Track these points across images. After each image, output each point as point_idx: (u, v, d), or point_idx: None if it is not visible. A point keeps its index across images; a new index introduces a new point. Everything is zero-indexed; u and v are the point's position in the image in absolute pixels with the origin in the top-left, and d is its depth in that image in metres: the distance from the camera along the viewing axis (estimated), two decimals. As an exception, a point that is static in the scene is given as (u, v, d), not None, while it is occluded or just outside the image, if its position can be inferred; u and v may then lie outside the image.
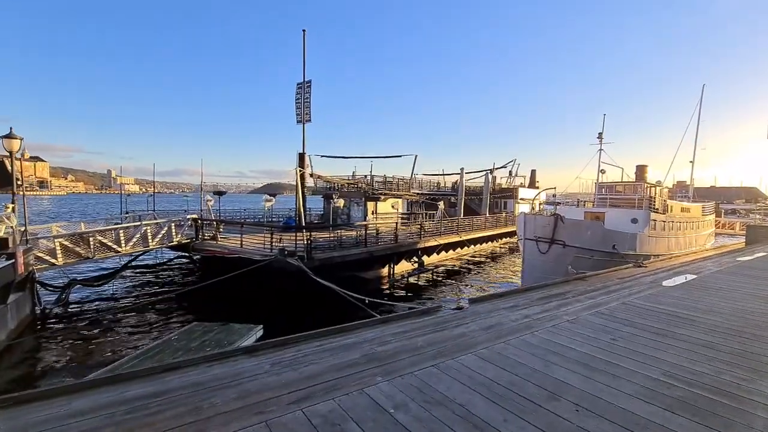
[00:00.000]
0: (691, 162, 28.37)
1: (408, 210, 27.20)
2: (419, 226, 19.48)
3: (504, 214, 30.28)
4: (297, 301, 12.88)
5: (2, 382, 7.80)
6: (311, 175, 21.68)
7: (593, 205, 19.39)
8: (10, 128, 11.29)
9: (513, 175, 39.25)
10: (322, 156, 27.54)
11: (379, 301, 11.49)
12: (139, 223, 15.51)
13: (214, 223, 17.37)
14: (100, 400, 2.87)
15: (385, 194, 24.33)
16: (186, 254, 18.60)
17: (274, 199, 22.11)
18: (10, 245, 10.25)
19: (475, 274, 19.71)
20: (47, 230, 14.43)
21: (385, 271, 17.42)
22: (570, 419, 2.58)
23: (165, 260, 19.68)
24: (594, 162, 20.86)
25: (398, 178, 27.52)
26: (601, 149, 20.62)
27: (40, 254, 11.93)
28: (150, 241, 14.87)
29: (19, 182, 12.31)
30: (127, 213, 21.28)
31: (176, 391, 2.98)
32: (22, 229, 11.77)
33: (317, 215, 26.73)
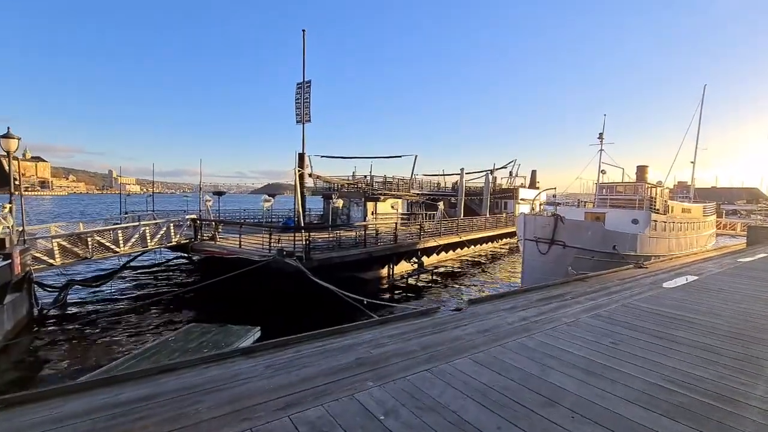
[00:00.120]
0: (692, 162, 28.30)
1: (408, 210, 27.15)
2: (419, 227, 19.42)
3: (504, 215, 30.21)
4: (295, 301, 12.82)
5: (-3, 384, 7.75)
6: (310, 176, 21.62)
7: (594, 205, 19.32)
8: (8, 128, 11.25)
9: (513, 175, 39.19)
10: (321, 156, 27.59)
11: (377, 302, 11.42)
12: (137, 223, 15.46)
13: (213, 223, 17.32)
14: (94, 402, 2.84)
15: (384, 194, 24.27)
16: (185, 255, 18.56)
17: (272, 200, 22.06)
18: (7, 245, 10.21)
19: (474, 275, 19.63)
20: (46, 230, 14.41)
21: (384, 271, 17.36)
22: (565, 426, 2.51)
23: (164, 261, 19.64)
24: (594, 162, 20.80)
25: (398, 179, 27.47)
26: (601, 149, 20.54)
27: (37, 254, 11.89)
28: (149, 241, 14.83)
29: (16, 182, 12.27)
30: (126, 213, 21.25)
31: (168, 395, 2.94)
32: (20, 229, 11.74)
33: (317, 216, 26.68)
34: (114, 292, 14.62)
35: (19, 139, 11.63)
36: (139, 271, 17.85)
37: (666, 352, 3.94)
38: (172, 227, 15.66)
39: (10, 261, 9.79)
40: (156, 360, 7.69)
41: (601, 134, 20.60)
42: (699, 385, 3.22)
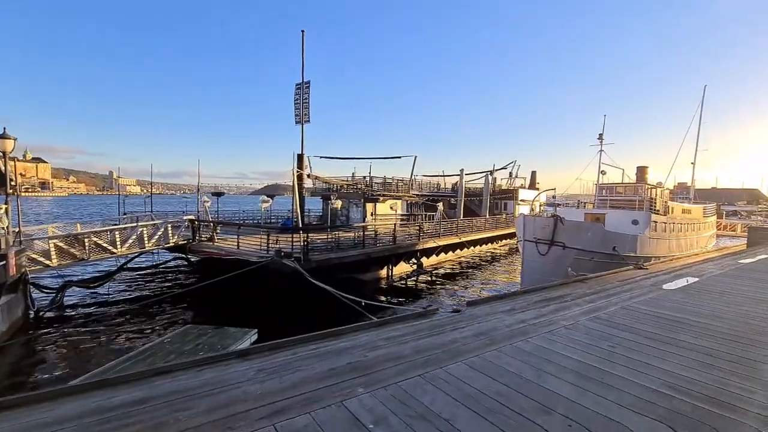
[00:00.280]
0: (692, 163, 28.23)
1: (407, 211, 27.09)
2: (418, 228, 19.34)
3: (504, 216, 30.13)
4: (293, 303, 12.74)
5: (-10, 386, 7.68)
6: (308, 176, 21.56)
7: (593, 206, 19.23)
8: (4, 128, 11.18)
9: (513, 176, 39.11)
10: (321, 157, 27.49)
11: (376, 303, 11.35)
12: (135, 224, 15.39)
13: (211, 224, 17.26)
14: (85, 405, 2.79)
15: (384, 195, 24.20)
16: (183, 256, 18.49)
17: (270, 200, 21.99)
18: (2, 246, 10.15)
19: (474, 276, 19.55)
20: (43, 231, 14.35)
21: (383, 272, 17.28)
22: (561, 434, 2.42)
23: (162, 262, 19.56)
24: (594, 163, 20.71)
25: (397, 180, 27.42)
26: (601, 150, 20.47)
27: (34, 255, 11.82)
28: (146, 242, 14.76)
29: (12, 183, 12.21)
30: (125, 214, 21.19)
31: (158, 399, 2.88)
32: (16, 230, 11.68)
33: (316, 216, 26.61)
34: (111, 293, 14.54)
35: (15, 139, 11.56)
36: (136, 272, 17.78)
37: (665, 356, 3.85)
38: (169, 228, 15.59)
39: (4, 262, 9.72)
40: (151, 362, 7.62)
41: (600, 135, 20.53)
42: (699, 390, 3.13)
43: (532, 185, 39.52)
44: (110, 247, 13.62)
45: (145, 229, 14.87)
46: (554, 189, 25.92)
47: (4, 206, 11.27)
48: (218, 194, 24.00)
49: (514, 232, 19.52)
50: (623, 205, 18.02)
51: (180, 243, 15.86)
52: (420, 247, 18.26)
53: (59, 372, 8.53)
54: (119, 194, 23.51)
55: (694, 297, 6.77)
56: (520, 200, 33.17)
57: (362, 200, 22.78)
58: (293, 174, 16.13)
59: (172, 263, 19.47)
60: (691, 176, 29.40)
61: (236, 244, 15.25)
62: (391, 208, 22.68)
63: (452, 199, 30.84)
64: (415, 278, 17.65)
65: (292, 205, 18.28)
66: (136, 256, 16.39)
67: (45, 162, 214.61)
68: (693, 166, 28.33)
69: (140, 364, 7.56)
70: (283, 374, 3.41)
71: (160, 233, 15.19)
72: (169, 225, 15.69)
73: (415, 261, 18.04)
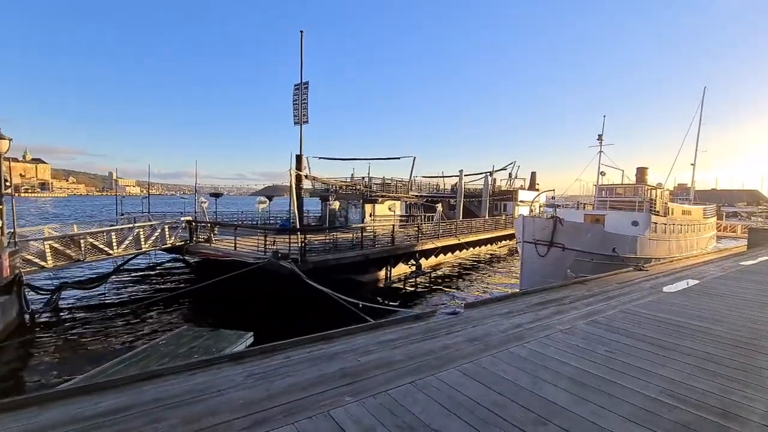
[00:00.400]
0: (692, 164, 28.12)
1: (406, 212, 26.98)
2: (417, 229, 19.24)
3: (503, 217, 30.03)
4: (290, 304, 12.64)
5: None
6: (306, 177, 21.46)
7: (593, 207, 19.12)
8: (-2, 129, 11.09)
9: (513, 177, 39.00)
10: (320, 158, 27.35)
11: (373, 305, 11.24)
12: (131, 225, 15.29)
13: (209, 225, 17.16)
14: (71, 411, 2.73)
15: (383, 196, 24.10)
16: (180, 257, 18.38)
17: (267, 201, 21.89)
18: (-5, 248, 10.05)
19: (473, 277, 19.44)
20: (39, 232, 14.25)
21: (381, 274, 17.17)
22: (557, 447, 2.31)
23: (159, 263, 19.46)
24: (594, 164, 20.61)
25: (396, 180, 27.33)
26: (600, 151, 20.36)
27: (29, 257, 11.72)
28: (143, 243, 14.66)
29: (8, 183, 12.11)
30: (122, 215, 21.11)
31: (139, 407, 2.80)
32: (11, 231, 11.58)
33: (315, 217, 26.51)
34: (107, 294, 14.43)
35: (10, 140, 11.48)
36: (133, 273, 17.68)
37: (666, 363, 3.73)
38: (166, 229, 15.50)
39: (-3, 263, 9.63)
40: (145, 365, 7.52)
41: (600, 136, 20.43)
42: (701, 399, 3.01)
43: (532, 186, 39.41)
44: (106, 249, 13.52)
45: (141, 230, 14.77)
46: (553, 190, 25.78)
47: (-2, 207, 11.17)
48: (216, 195, 23.90)
49: (514, 233, 19.41)
50: (623, 206, 17.92)
51: (177, 244, 15.76)
52: (419, 248, 18.15)
53: (53, 374, 8.43)
54: (116, 195, 23.43)
55: (695, 300, 6.65)
56: (520, 201, 33.06)
57: (361, 201, 22.68)
58: (290, 175, 16.03)
59: (169, 264, 19.38)
60: (691, 177, 29.32)
61: (233, 245, 15.15)
62: (390, 209, 22.59)
63: (451, 200, 30.74)
64: (413, 280, 17.54)
65: (289, 205, 18.19)
66: (133, 258, 16.27)
67: (45, 163, 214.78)
68: (693, 167, 28.24)
69: (134, 366, 7.45)
70: (272, 380, 3.32)
71: (156, 234, 15.09)
72: (166, 226, 15.59)
73: (414, 262, 17.93)
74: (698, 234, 21.79)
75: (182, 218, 16.83)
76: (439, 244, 19.76)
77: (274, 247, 13.84)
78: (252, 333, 9.11)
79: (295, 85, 21.38)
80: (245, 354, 4.08)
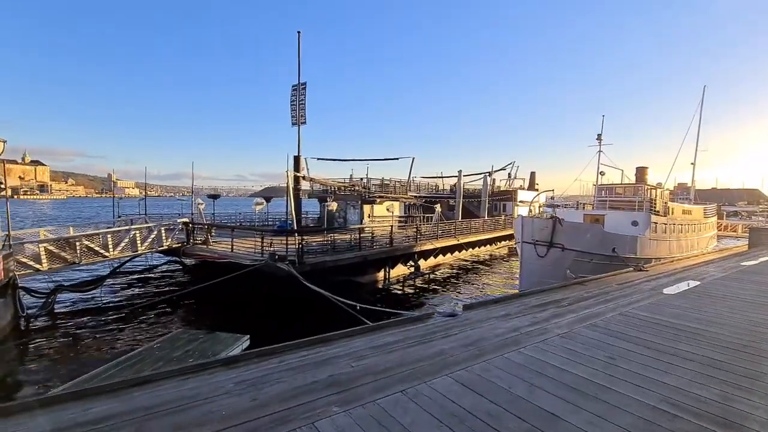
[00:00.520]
0: (692, 164, 28.04)
1: (405, 213, 26.88)
2: (415, 230, 19.14)
3: (503, 217, 29.92)
4: (288, 306, 12.54)
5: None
6: (304, 178, 21.37)
7: (593, 207, 19.02)
8: (-8, 131, 11.00)
9: (512, 177, 38.91)
10: (318, 159, 27.26)
11: (371, 307, 11.12)
12: (128, 227, 15.18)
13: (206, 226, 17.05)
14: (61, 417, 2.69)
15: (381, 197, 23.99)
16: (177, 259, 18.27)
17: (264, 202, 21.79)
18: (-12, 251, 9.95)
19: (472, 278, 19.32)
20: (35, 234, 14.14)
21: (380, 275, 17.06)
22: (553, 461, 2.21)
23: (155, 265, 19.35)
24: (593, 164, 20.50)
25: (395, 181, 27.24)
26: (600, 151, 20.27)
27: (24, 259, 11.62)
28: (139, 245, 14.55)
29: (2, 185, 12.02)
30: (119, 216, 21.01)
31: (127, 415, 2.75)
32: (5, 233, 11.48)
33: (314, 219, 26.41)
34: (104, 297, 14.32)
35: (4, 142, 11.39)
36: (129, 276, 17.56)
37: (666, 368, 3.63)
38: (163, 231, 15.39)
39: (-10, 267, 9.52)
40: (139, 369, 7.43)
41: (599, 135, 20.33)
42: (702, 408, 2.91)
43: (531, 186, 39.29)
44: (102, 251, 13.41)
45: (138, 232, 14.66)
46: (552, 190, 25.67)
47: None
48: (214, 196, 23.79)
49: (513, 234, 19.31)
50: (623, 206, 17.81)
51: (174, 246, 15.65)
52: (417, 249, 18.04)
53: (48, 379, 8.32)
54: (114, 197, 23.34)
55: (696, 302, 6.54)
56: (519, 201, 32.95)
57: (359, 202, 22.57)
58: (287, 176, 15.95)
59: (165, 267, 19.26)
60: (691, 176, 29.23)
61: (230, 247, 15.04)
62: (388, 209, 22.50)
63: (450, 200, 30.64)
64: (412, 281, 17.43)
65: (286, 206, 18.10)
66: (129, 260, 16.15)
67: (44, 165, 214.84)
68: (693, 167, 28.17)
69: (128, 370, 7.36)
70: (261, 387, 3.24)
71: (153, 236, 14.98)
72: (163, 228, 15.48)
73: (413, 263, 17.81)
74: (699, 234, 21.68)
75: (179, 220, 16.72)
76: (438, 244, 19.65)
77: (271, 248, 13.74)
78: (248, 336, 9.00)
79: (293, 86, 21.32)
80: (240, 358, 4.04)
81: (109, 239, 13.67)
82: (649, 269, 11.02)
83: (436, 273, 19.50)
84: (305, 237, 14.12)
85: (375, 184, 25.80)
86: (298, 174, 19.96)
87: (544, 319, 5.33)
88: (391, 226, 18.01)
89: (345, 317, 10.25)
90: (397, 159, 27.37)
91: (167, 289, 15.79)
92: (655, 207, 17.37)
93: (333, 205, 21.58)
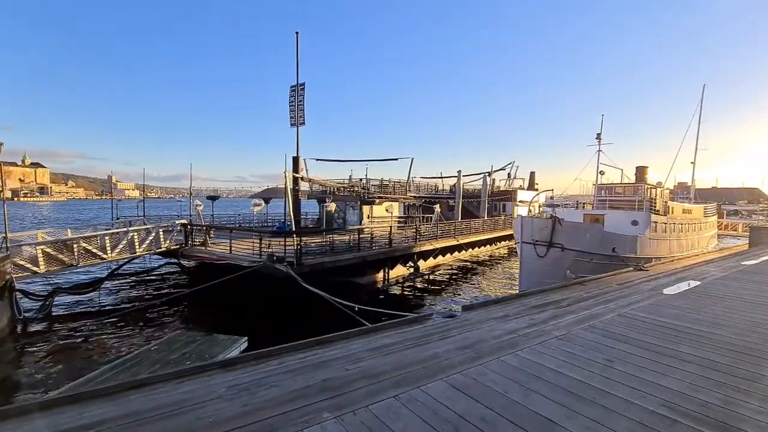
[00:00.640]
0: (692, 163, 27.95)
1: (405, 213, 26.82)
2: (415, 230, 19.08)
3: (503, 217, 29.86)
4: (286, 307, 12.49)
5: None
6: (302, 179, 21.31)
7: (592, 207, 18.94)
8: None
9: (512, 177, 38.86)
10: (317, 159, 27.20)
11: (369, 308, 11.06)
12: (126, 229, 15.14)
13: (205, 228, 16.99)
14: (56, 422, 2.66)
15: (380, 198, 23.94)
16: (175, 261, 18.22)
17: (262, 203, 21.75)
18: (-16, 254, 9.91)
19: (472, 278, 19.26)
20: (32, 236, 14.09)
21: (379, 276, 17.00)
22: (549, 469, 2.15)
23: (153, 267, 19.29)
24: (593, 163, 20.43)
25: (394, 182, 27.19)
26: (599, 150, 20.20)
27: (21, 262, 11.57)
28: (137, 247, 14.51)
29: (-1, 188, 11.97)
30: (117, 218, 20.97)
31: (119, 420, 2.71)
32: (3, 236, 11.45)
33: (313, 219, 26.36)
34: (102, 299, 14.27)
35: (0, 144, 11.38)
36: (128, 278, 17.51)
37: (666, 371, 3.56)
38: (161, 233, 15.34)
39: (-14, 269, 9.48)
40: (136, 371, 7.38)
41: (599, 135, 20.27)
42: (702, 412, 2.84)
43: (531, 186, 39.23)
44: (100, 253, 13.36)
45: (135, 234, 14.62)
46: (552, 190, 25.60)
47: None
48: (213, 198, 23.73)
49: (513, 234, 19.24)
50: (623, 206, 17.74)
51: (172, 248, 15.60)
52: (417, 249, 17.98)
53: (45, 380, 8.28)
54: (112, 198, 23.30)
55: (696, 302, 6.48)
56: (519, 201, 32.89)
57: (358, 203, 22.52)
58: (285, 177, 15.92)
59: (164, 269, 19.21)
60: (691, 176, 29.13)
61: (229, 248, 14.99)
62: (388, 210, 22.45)
63: (450, 200, 30.58)
64: (411, 282, 17.37)
65: (285, 207, 18.05)
66: (127, 262, 16.11)
67: (44, 167, 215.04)
68: (693, 166, 28.07)
69: (125, 373, 7.32)
70: (256, 391, 3.19)
71: (151, 238, 14.94)
72: (161, 229, 15.44)
73: (412, 264, 17.76)
74: (699, 233, 21.60)
75: (177, 221, 16.67)
76: (438, 245, 19.59)
77: (270, 250, 13.69)
78: (246, 338, 8.95)
79: (292, 87, 21.27)
80: (237, 361, 4.00)
81: (107, 241, 13.63)
82: (649, 269, 10.96)
83: (436, 273, 19.44)
84: (304, 238, 14.06)
85: (374, 185, 25.75)
86: (297, 175, 19.90)
87: (542, 320, 5.27)
88: (391, 226, 17.95)
89: (344, 318, 10.19)
90: (396, 159, 27.34)
91: (165, 290, 15.73)
92: (655, 206, 17.30)
93: (332, 206, 21.53)
